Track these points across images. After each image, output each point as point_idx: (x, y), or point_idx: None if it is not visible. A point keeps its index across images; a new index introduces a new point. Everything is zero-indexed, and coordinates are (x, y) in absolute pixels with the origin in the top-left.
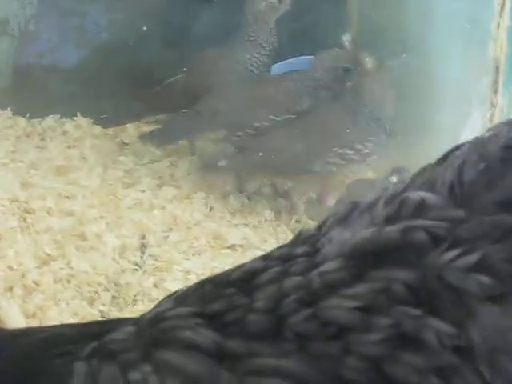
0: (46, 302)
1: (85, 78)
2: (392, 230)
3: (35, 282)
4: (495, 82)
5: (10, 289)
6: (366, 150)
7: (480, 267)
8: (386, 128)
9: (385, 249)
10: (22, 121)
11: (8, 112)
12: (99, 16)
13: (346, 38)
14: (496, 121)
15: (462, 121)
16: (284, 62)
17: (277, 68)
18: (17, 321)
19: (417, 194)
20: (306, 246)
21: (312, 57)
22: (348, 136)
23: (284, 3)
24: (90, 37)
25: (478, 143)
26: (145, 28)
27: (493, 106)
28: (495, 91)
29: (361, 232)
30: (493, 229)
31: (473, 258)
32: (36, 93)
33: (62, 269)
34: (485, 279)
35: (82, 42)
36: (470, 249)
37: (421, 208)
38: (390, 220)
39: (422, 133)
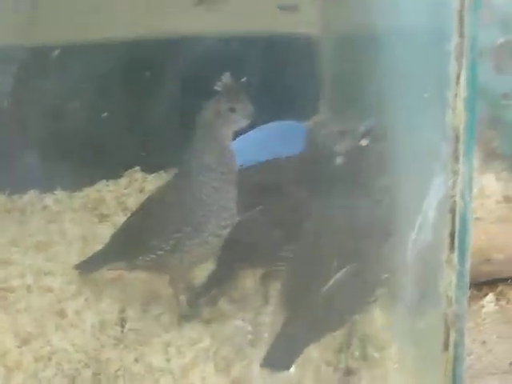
0: (27, 381)
1: (62, 152)
2: None
3: (16, 362)
4: (455, 151)
5: None
6: None
7: None
8: None
9: None
10: (1, 197)
11: None
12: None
13: None
14: (459, 188)
15: (424, 189)
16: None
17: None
18: None
19: None
20: None
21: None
22: None
23: (241, 114)
24: (65, 113)
25: None
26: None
27: (455, 173)
28: (456, 159)
29: None
30: None
31: None
32: (15, 169)
33: (42, 347)
34: None
35: (56, 118)
36: None
37: None
38: None
39: None
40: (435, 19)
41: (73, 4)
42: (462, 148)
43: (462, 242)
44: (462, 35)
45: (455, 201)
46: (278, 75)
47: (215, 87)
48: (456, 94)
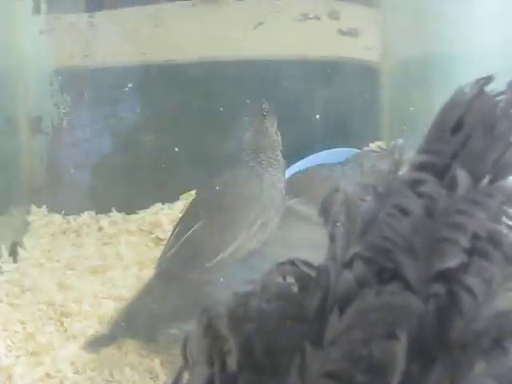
0: None
1: (117, 173)
2: None
3: None
4: None
5: None
6: None
7: None
8: None
9: None
10: (57, 218)
11: (43, 209)
12: (130, 120)
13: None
14: None
15: None
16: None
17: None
18: None
19: None
20: None
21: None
22: None
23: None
24: (122, 136)
25: None
26: (176, 149)
27: None
28: None
29: None
30: None
31: None
32: (70, 189)
33: (99, 375)
34: None
35: (114, 140)
36: None
37: None
38: None
39: None
40: (505, 47)
41: None
42: None
43: None
44: None
45: None
46: (337, 100)
47: (263, 112)
48: None
